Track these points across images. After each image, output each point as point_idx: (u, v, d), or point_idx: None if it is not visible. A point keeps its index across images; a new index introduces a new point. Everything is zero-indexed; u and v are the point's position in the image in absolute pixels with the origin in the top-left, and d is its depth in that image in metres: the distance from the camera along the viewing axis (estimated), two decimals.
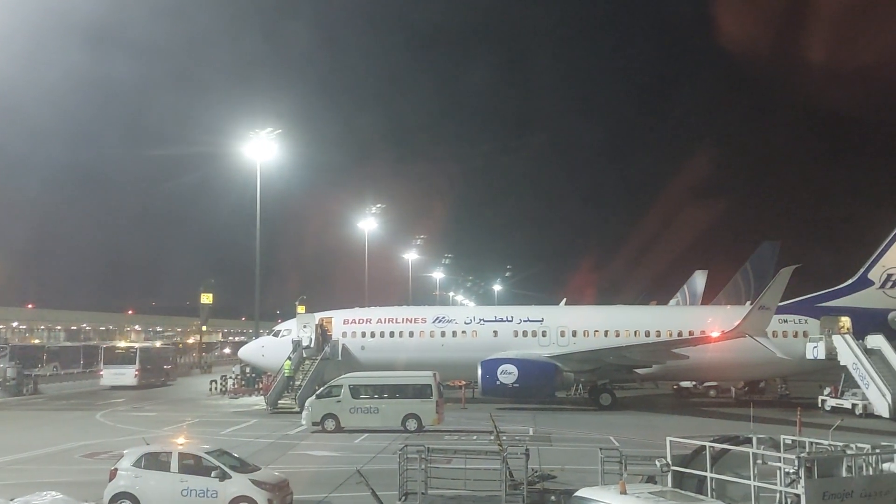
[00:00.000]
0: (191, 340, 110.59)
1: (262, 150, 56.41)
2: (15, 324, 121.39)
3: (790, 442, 16.14)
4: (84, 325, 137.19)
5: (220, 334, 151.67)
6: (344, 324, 51.88)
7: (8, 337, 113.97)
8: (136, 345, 75.12)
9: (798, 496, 13.47)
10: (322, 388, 39.77)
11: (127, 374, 63.28)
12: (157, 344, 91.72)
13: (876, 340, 46.00)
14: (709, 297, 75.53)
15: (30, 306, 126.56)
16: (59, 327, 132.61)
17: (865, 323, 48.32)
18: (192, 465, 20.75)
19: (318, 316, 52.50)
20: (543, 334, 50.87)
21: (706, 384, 55.94)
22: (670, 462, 15.91)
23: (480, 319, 52.88)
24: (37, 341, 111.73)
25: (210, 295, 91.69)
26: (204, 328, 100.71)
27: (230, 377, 60.88)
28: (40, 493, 18.59)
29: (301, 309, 77.66)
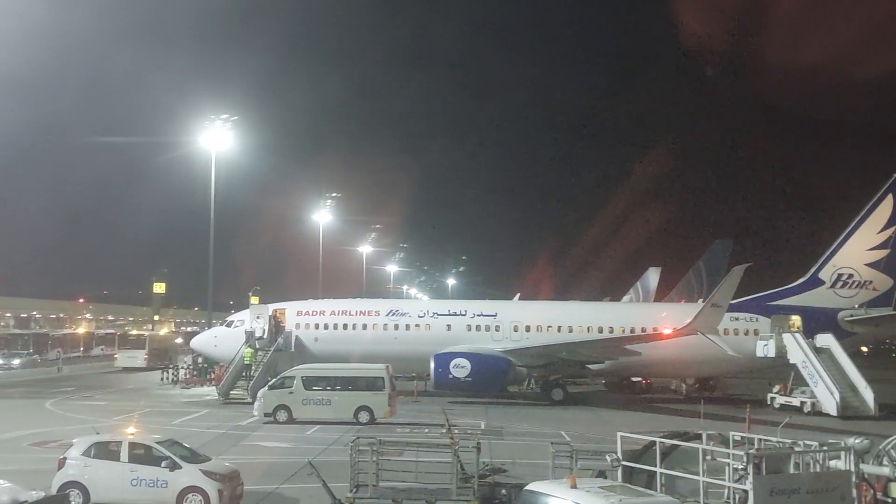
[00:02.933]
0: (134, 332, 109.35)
1: (217, 138, 55.77)
2: None
3: (739, 438, 16.36)
4: (34, 313, 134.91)
5: (173, 324, 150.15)
6: (297, 315, 51.67)
7: None
8: (146, 332, 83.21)
9: (746, 492, 13.66)
10: (275, 380, 39.57)
11: (138, 357, 69.99)
12: (163, 332, 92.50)
13: (825, 339, 46.91)
14: (662, 294, 76.31)
15: None
16: (8, 314, 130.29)
17: (815, 322, 49.23)
18: (143, 455, 20.58)
19: (271, 307, 52.24)
20: (497, 329, 51.08)
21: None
22: (620, 457, 16.07)
23: (434, 313, 52.96)
24: None
25: (163, 284, 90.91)
26: (156, 318, 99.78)
27: (182, 367, 60.39)
28: None
29: (255, 300, 77.19)
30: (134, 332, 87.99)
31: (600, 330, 51.04)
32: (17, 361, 68.57)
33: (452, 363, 46.77)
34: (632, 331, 50.33)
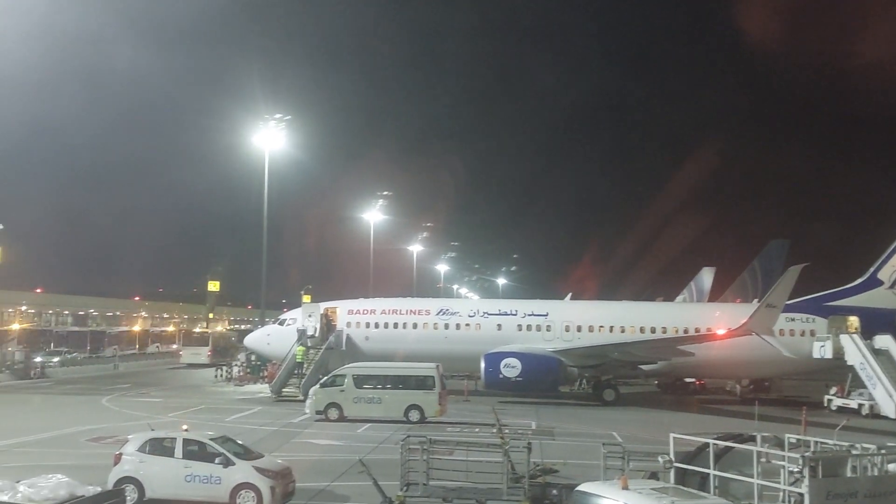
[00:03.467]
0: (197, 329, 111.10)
1: (270, 137, 56.36)
2: (24, 308, 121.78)
3: (795, 441, 16.09)
4: (91, 311, 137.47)
5: (226, 322, 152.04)
6: (349, 314, 51.93)
7: (17, 320, 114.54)
8: (209, 330, 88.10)
9: (801, 495, 13.42)
10: (326, 378, 39.83)
11: (202, 354, 72.73)
12: (223, 329, 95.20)
13: (884, 341, 45.88)
14: (716, 294, 75.45)
15: (38, 291, 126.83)
16: (66, 312, 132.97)
17: (874, 323, 48.17)
18: (197, 452, 20.80)
19: (322, 306, 52.54)
20: (548, 329, 50.85)
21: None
22: (673, 459, 15.88)
23: (484, 313, 52.87)
24: (45, 326, 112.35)
25: (217, 283, 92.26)
26: (210, 315, 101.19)
27: (235, 365, 61.14)
28: (46, 476, 18.65)
29: (306, 298, 77.95)
30: (197, 329, 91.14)
31: (653, 330, 50.55)
32: (56, 360, 67.88)
33: (503, 363, 46.64)
34: (685, 331, 49.77)
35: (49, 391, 50.99)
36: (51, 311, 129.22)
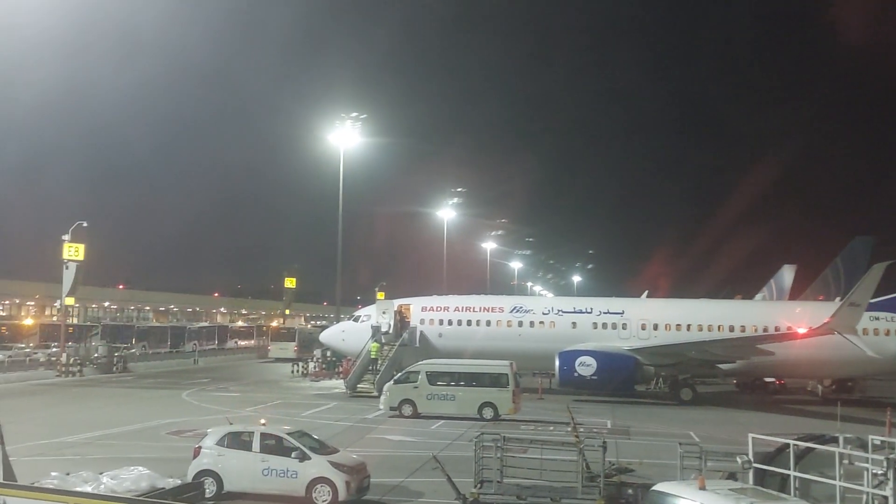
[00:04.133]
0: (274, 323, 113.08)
1: (346, 136, 57.04)
2: (107, 303, 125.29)
3: (879, 443, 15.61)
4: (172, 306, 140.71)
5: (303, 318, 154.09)
6: (422, 311, 52.12)
7: (100, 316, 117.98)
8: (296, 326, 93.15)
9: (886, 498, 13.04)
10: (400, 374, 40.05)
11: (288, 349, 75.43)
12: (309, 326, 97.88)
13: None
14: (797, 292, 73.77)
15: (120, 287, 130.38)
16: (147, 308, 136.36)
17: None
18: (273, 446, 21.07)
19: (396, 302, 52.85)
20: (624, 327, 50.31)
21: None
22: (752, 459, 15.57)
23: (559, 310, 52.49)
24: (127, 321, 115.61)
25: (294, 279, 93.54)
26: (287, 311, 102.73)
27: (311, 360, 61.94)
28: (128, 468, 19.15)
29: (380, 295, 78.41)
30: (285, 326, 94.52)
31: (731, 329, 49.62)
32: (130, 352, 68.51)
33: (578, 361, 46.27)
34: (764, 330, 48.74)
35: (131, 385, 52.30)
36: (132, 307, 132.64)
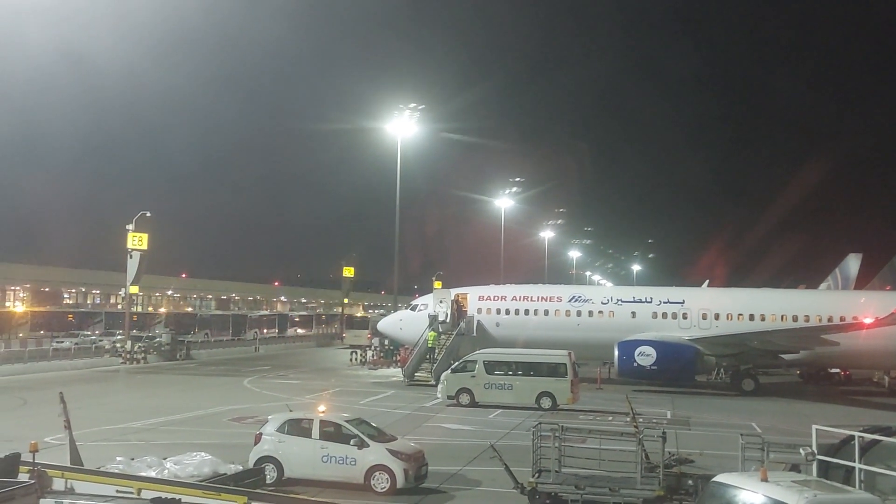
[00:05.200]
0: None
1: (403, 125, 57.21)
2: (170, 292, 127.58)
3: None
4: (233, 295, 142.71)
5: (361, 307, 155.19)
6: (479, 300, 52.05)
7: (164, 305, 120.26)
8: (369, 314, 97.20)
9: None
10: (457, 363, 40.05)
11: (362, 336, 76.30)
12: (380, 313, 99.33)
13: None
14: (863, 281, 72.11)
15: (183, 276, 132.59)
16: (210, 296, 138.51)
17: None
18: (332, 433, 21.21)
19: (453, 292, 52.86)
20: (684, 316, 49.71)
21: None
22: (816, 451, 15.26)
23: (618, 300, 52.04)
24: (189, 309, 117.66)
25: (352, 269, 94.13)
26: (346, 300, 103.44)
27: (369, 349, 62.38)
28: (191, 454, 19.49)
29: (438, 284, 78.56)
30: (359, 314, 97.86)
31: (794, 318, 48.70)
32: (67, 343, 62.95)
33: (637, 351, 45.83)
34: (829, 320, 47.77)
35: (194, 372, 53.19)
36: (195, 296, 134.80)
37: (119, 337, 63.24)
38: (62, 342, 63.80)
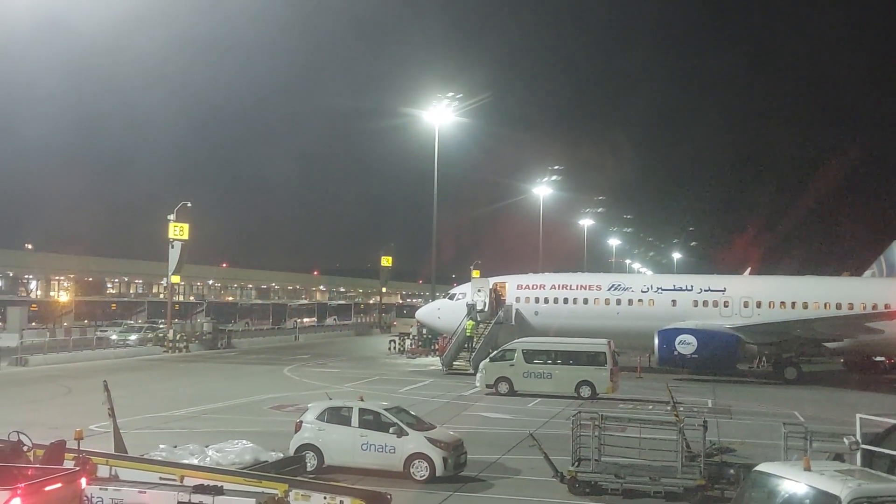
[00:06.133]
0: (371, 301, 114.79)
1: (441, 114, 57.15)
2: (211, 282, 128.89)
3: None
4: (273, 284, 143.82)
5: (399, 296, 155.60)
6: (518, 289, 51.95)
7: (205, 294, 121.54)
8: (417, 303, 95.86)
9: None
10: (496, 352, 40.00)
11: (411, 323, 74.49)
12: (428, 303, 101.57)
13: None
14: None
15: (224, 265, 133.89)
16: (250, 286, 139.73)
17: None
18: (371, 421, 21.28)
19: (492, 280, 52.80)
20: (725, 304, 49.23)
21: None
22: (860, 440, 15.04)
23: (658, 288, 51.65)
24: (230, 299, 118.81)
25: (390, 258, 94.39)
26: (384, 289, 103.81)
27: (408, 338, 62.57)
28: (232, 441, 19.68)
29: (475, 273, 78.54)
30: (410, 301, 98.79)
31: (838, 306, 48.05)
32: (133, 337, 61.78)
33: (678, 339, 45.46)
34: (873, 307, 47.06)
35: (235, 361, 53.71)
36: (235, 285, 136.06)
37: (161, 326, 64.02)
38: (106, 331, 64.80)
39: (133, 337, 61.35)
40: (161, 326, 63.86)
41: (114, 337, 61.22)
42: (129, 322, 74.56)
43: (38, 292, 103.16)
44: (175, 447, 18.80)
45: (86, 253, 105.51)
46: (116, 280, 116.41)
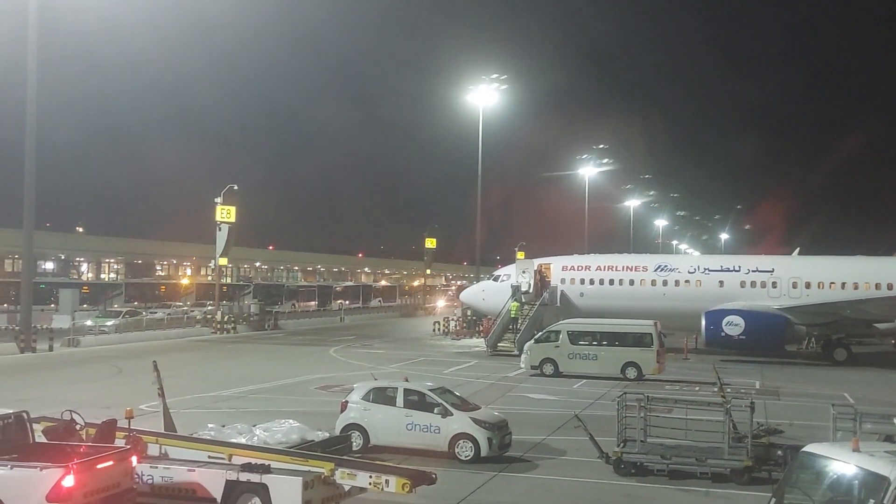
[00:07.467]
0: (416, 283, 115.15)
1: (486, 96, 56.96)
2: (258, 264, 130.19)
3: None
4: (319, 266, 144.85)
5: (443, 278, 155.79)
6: (563, 270, 51.75)
7: (252, 276, 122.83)
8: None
9: None
10: (541, 333, 39.90)
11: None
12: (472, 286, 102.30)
13: None
14: None
15: (270, 248, 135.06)
16: (296, 268, 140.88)
17: None
18: (417, 402, 21.35)
19: (536, 262, 52.66)
20: (773, 285, 48.59)
21: None
22: None
23: (705, 269, 51.12)
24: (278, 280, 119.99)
25: (434, 240, 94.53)
26: (428, 271, 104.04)
27: (452, 319, 62.70)
28: (279, 421, 19.88)
29: (520, 255, 78.36)
30: (458, 283, 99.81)
31: (890, 287, 47.14)
32: (110, 323, 55.62)
33: (725, 320, 44.95)
34: None
35: (281, 342, 54.28)
36: (282, 267, 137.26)
37: (209, 307, 64.86)
38: (155, 312, 65.79)
39: (110, 323, 55.35)
40: (209, 307, 64.68)
41: (89, 322, 55.18)
42: (177, 303, 75.66)
43: (89, 275, 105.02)
44: (223, 426, 19.04)
45: (135, 236, 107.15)
46: (165, 263, 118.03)
